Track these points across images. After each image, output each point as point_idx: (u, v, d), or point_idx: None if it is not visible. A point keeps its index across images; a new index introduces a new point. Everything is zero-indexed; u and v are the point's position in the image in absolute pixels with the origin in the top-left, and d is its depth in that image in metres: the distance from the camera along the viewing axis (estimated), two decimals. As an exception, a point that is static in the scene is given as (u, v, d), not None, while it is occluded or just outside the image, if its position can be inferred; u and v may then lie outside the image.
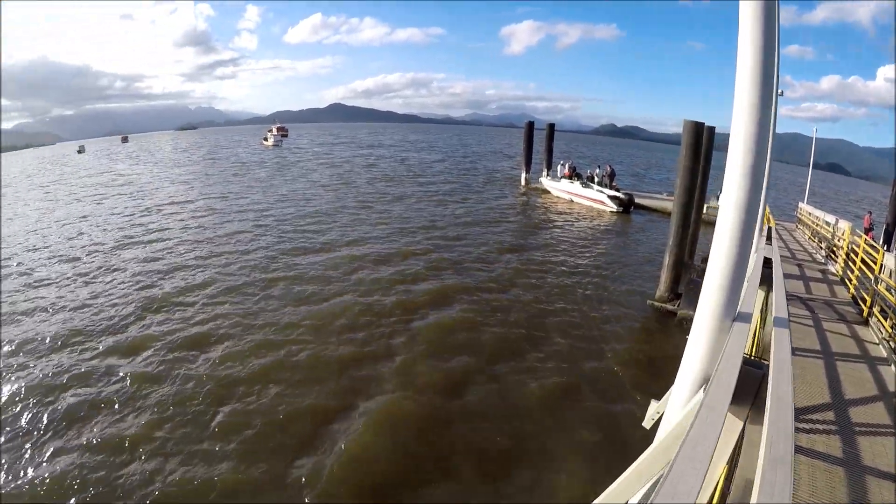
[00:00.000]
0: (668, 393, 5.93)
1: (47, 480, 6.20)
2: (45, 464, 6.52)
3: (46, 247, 18.46)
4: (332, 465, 6.29)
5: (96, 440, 6.93)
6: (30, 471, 6.42)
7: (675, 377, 2.88)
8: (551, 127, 32.31)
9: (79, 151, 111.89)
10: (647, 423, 6.42)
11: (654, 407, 6.49)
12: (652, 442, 2.79)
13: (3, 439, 7.03)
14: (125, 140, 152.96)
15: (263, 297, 12.17)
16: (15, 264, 16.31)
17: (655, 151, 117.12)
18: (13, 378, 8.63)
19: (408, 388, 8.04)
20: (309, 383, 8.18)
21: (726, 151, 2.51)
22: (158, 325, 10.63)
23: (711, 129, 13.36)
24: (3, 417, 7.52)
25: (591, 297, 12.31)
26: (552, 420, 7.28)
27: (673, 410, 2.85)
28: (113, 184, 38.90)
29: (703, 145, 11.74)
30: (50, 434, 7.11)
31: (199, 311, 11.34)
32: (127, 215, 24.14)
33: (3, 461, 6.59)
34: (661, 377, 8.22)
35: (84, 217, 24.48)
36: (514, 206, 26.35)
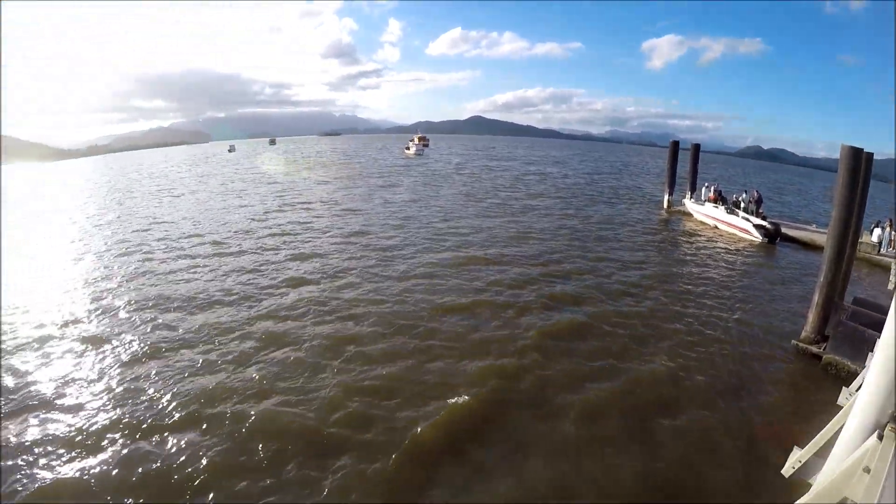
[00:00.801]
0: (816, 440, 5.58)
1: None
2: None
3: (199, 231, 23.23)
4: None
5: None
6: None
7: (823, 424, 2.65)
8: (696, 147, 29.90)
9: (229, 150, 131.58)
10: (786, 472, 6.14)
11: (796, 455, 6.15)
12: (800, 491, 2.61)
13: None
14: (273, 142, 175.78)
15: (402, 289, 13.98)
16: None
17: (800, 177, 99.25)
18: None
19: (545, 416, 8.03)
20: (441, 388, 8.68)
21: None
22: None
23: (870, 155, 11.60)
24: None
25: (731, 333, 11.62)
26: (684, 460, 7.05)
27: (836, 458, 2.71)
28: (262, 180, 46.27)
29: (862, 173, 10.34)
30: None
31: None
32: (275, 211, 28.87)
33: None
34: (802, 423, 7.68)
35: (242, 206, 29.83)
36: (655, 228, 24.91)
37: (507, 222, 24.29)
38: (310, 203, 30.87)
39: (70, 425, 7.80)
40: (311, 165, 65.29)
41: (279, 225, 24.02)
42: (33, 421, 7.97)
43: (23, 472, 6.77)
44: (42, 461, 7.01)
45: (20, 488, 6.48)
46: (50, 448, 7.28)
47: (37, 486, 6.50)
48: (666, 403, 8.41)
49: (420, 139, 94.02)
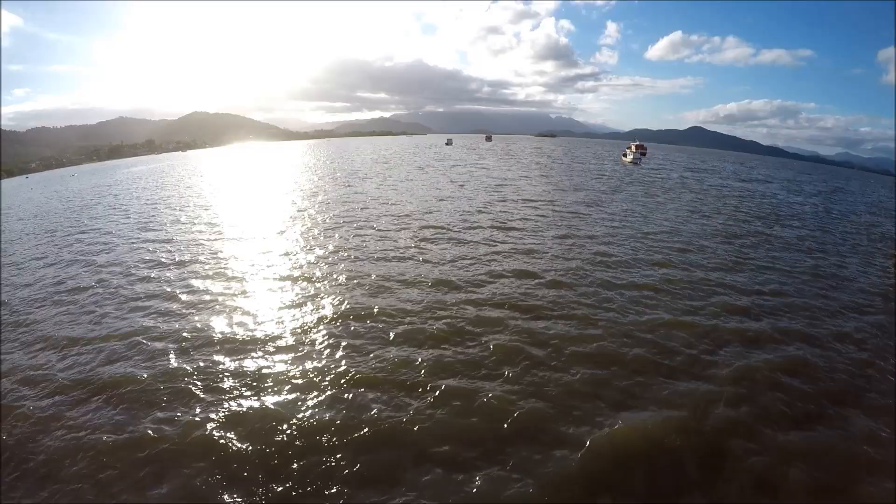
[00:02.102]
0: None
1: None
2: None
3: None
4: None
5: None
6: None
7: None
8: None
9: (447, 143, 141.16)
10: None
11: None
12: None
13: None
14: (489, 139, 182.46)
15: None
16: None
17: None
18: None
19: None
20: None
21: None
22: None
23: None
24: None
25: None
26: None
27: None
28: (478, 174, 47.87)
29: None
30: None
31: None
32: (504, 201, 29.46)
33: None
34: None
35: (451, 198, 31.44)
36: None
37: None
38: (533, 201, 30.50)
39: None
40: (527, 164, 66.17)
41: (501, 217, 24.90)
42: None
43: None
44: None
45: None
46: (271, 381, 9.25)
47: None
48: None
49: (637, 147, 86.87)
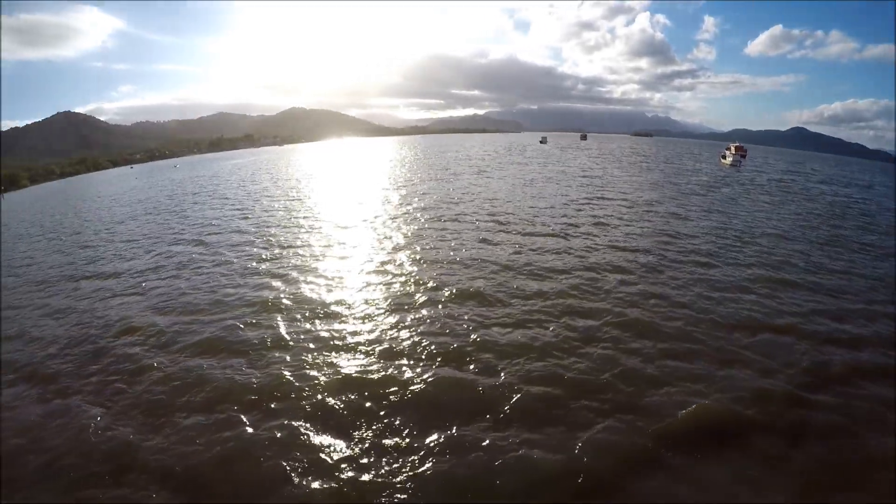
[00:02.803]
0: None
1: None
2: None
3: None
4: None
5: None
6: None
7: None
8: None
9: (541, 142, 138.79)
10: None
11: None
12: None
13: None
14: (584, 138, 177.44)
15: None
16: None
17: None
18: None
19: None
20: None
21: None
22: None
23: None
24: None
25: None
26: None
27: None
28: (571, 171, 48.09)
29: None
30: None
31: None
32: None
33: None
34: None
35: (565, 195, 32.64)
36: None
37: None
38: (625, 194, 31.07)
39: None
40: (624, 164, 65.06)
41: (594, 214, 25.85)
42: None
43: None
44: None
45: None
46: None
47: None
48: None
49: (737, 149, 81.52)
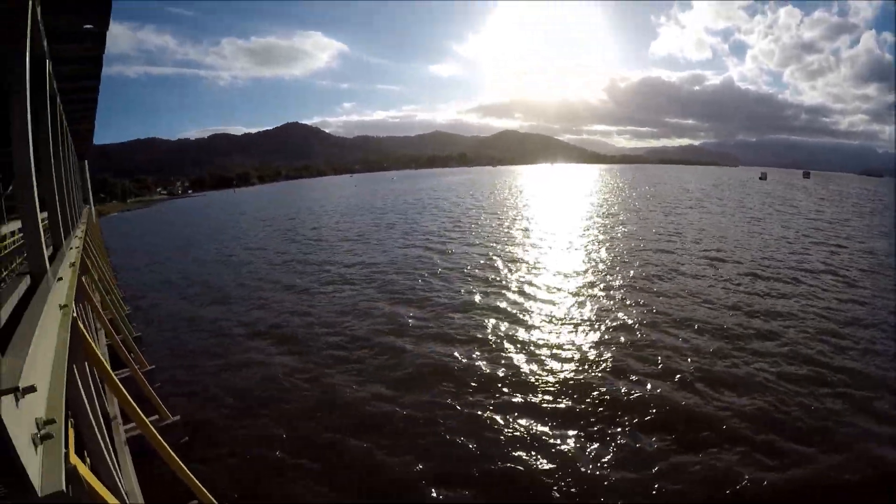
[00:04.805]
0: None
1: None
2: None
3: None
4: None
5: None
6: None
7: None
8: None
9: (760, 178, 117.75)
10: None
11: None
12: None
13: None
14: (807, 175, 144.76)
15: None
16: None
17: None
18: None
19: None
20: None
21: None
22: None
23: None
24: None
25: None
26: None
27: None
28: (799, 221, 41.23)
29: None
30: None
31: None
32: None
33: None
34: None
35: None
36: None
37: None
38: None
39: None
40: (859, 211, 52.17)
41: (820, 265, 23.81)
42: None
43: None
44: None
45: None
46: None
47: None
48: None
49: None
